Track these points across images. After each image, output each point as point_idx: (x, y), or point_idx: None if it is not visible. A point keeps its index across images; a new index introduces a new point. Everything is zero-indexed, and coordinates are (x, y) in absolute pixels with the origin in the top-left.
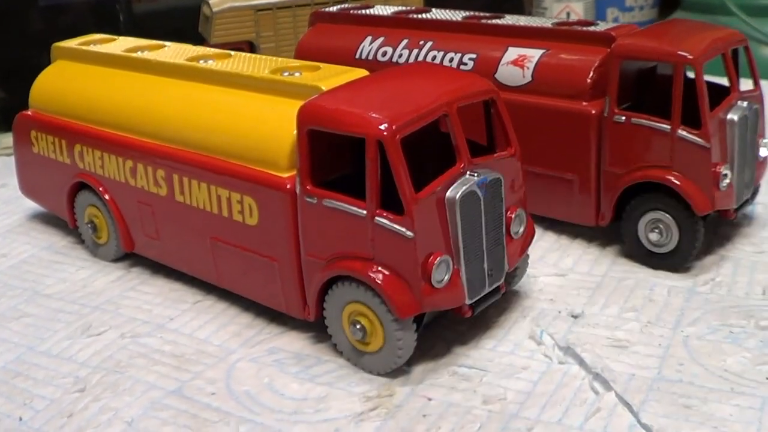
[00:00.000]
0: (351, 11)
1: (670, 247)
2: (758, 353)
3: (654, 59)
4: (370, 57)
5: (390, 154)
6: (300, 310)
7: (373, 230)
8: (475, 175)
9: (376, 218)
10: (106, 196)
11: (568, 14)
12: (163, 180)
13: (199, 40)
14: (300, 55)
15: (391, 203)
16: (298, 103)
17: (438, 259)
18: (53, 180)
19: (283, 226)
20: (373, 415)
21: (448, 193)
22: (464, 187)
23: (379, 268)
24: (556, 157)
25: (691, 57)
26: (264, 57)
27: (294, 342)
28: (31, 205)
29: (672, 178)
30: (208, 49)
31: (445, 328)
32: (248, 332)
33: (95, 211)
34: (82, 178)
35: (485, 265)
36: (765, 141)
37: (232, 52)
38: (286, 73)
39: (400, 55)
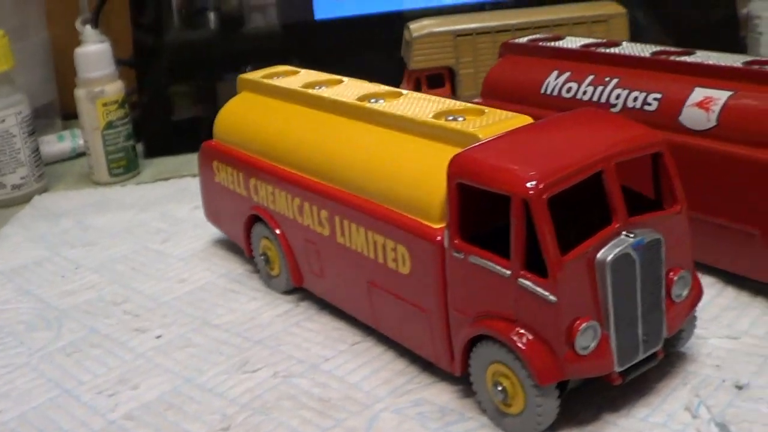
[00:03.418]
0: (540, 43)
1: None
2: None
3: None
4: (555, 93)
5: (535, 214)
6: (448, 363)
7: (517, 291)
8: (632, 236)
9: (520, 279)
10: (277, 231)
11: None
12: (326, 220)
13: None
14: (487, 88)
15: (539, 262)
16: (454, 151)
17: (584, 325)
18: (232, 210)
19: (432, 278)
20: None
21: (599, 256)
22: (617, 249)
23: (522, 331)
24: (739, 208)
25: None
26: (435, 98)
27: (442, 394)
28: (217, 230)
29: None
30: (381, 87)
31: (597, 392)
32: (399, 380)
33: (268, 244)
34: (256, 211)
35: (639, 331)
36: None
37: (405, 91)
38: (450, 118)
39: (585, 92)
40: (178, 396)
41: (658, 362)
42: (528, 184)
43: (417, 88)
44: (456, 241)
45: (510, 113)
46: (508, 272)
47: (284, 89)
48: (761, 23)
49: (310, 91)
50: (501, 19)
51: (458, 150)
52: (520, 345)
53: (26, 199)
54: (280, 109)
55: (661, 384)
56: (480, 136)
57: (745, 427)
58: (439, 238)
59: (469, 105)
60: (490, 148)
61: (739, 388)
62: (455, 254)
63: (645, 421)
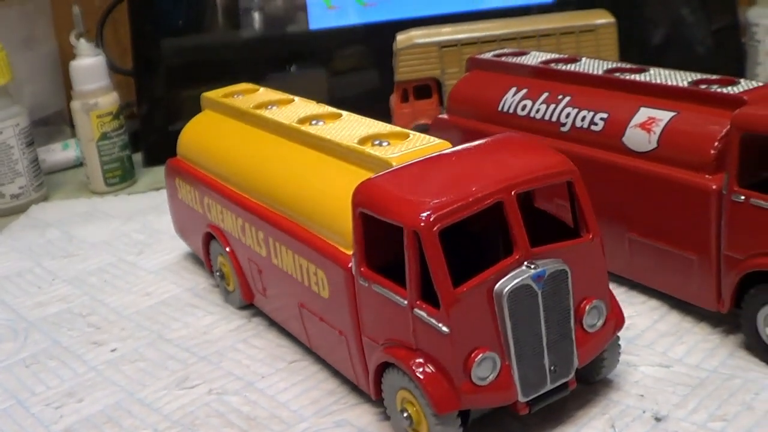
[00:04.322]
0: (503, 58)
1: None
2: None
3: None
4: (511, 110)
5: (426, 246)
6: (367, 387)
7: (414, 321)
8: (533, 266)
9: (415, 309)
10: (227, 249)
11: None
12: (263, 242)
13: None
14: (452, 104)
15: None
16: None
17: (481, 355)
18: (193, 226)
19: (346, 303)
20: None
21: (497, 287)
22: (516, 281)
23: (421, 360)
24: (677, 233)
25: None
26: (370, 122)
27: (363, 416)
28: None
29: None
30: (326, 108)
31: (515, 419)
32: (327, 400)
33: (223, 260)
34: (210, 229)
35: (546, 362)
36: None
37: (344, 113)
38: (376, 142)
39: (538, 110)
40: (118, 410)
41: (569, 392)
42: (419, 216)
43: (405, 99)
44: (362, 269)
45: (432, 139)
46: (405, 302)
47: (237, 109)
48: (759, 30)
49: (257, 111)
50: (487, 29)
51: (372, 175)
52: (418, 374)
53: (24, 209)
54: (232, 128)
55: (581, 412)
56: (393, 163)
57: None
58: (350, 264)
59: (397, 129)
60: (393, 177)
61: (658, 420)
62: (361, 282)
63: None
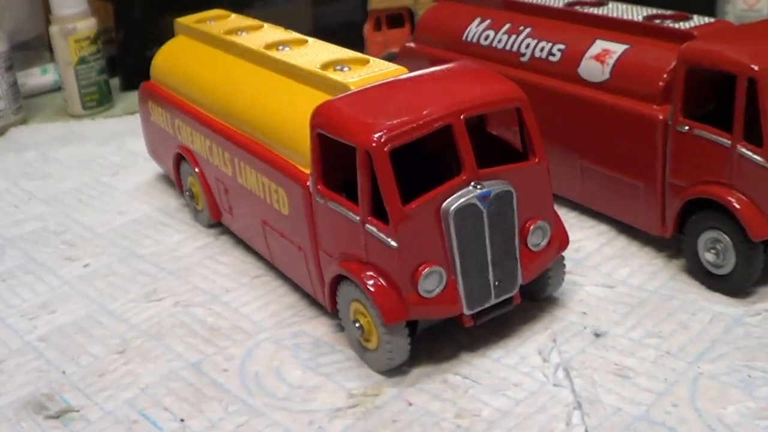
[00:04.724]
0: None
1: (726, 269)
2: (765, 405)
3: (717, 68)
4: (474, 40)
5: (377, 166)
6: (323, 300)
7: (366, 236)
8: (479, 187)
9: (366, 225)
10: (196, 169)
11: None
12: (228, 162)
13: None
14: (419, 33)
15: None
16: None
17: (427, 269)
18: (164, 148)
19: (304, 219)
20: (349, 412)
21: (443, 206)
22: (462, 200)
23: (371, 273)
24: (625, 161)
25: (756, 69)
26: (333, 48)
27: (320, 327)
28: None
29: (731, 199)
30: (292, 34)
31: (463, 332)
32: (286, 313)
33: (193, 181)
34: (181, 150)
35: (490, 277)
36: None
37: (310, 40)
38: (338, 67)
39: (500, 41)
40: (89, 321)
41: (513, 307)
42: (370, 137)
43: (378, 27)
44: (318, 187)
45: (391, 65)
46: (358, 218)
47: (208, 34)
48: None
49: (227, 37)
50: None
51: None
52: (369, 286)
53: (3, 132)
54: (203, 53)
55: (525, 327)
56: (351, 87)
57: (587, 373)
58: (308, 183)
59: (358, 55)
60: (350, 100)
61: (597, 335)
62: (318, 199)
63: (498, 362)
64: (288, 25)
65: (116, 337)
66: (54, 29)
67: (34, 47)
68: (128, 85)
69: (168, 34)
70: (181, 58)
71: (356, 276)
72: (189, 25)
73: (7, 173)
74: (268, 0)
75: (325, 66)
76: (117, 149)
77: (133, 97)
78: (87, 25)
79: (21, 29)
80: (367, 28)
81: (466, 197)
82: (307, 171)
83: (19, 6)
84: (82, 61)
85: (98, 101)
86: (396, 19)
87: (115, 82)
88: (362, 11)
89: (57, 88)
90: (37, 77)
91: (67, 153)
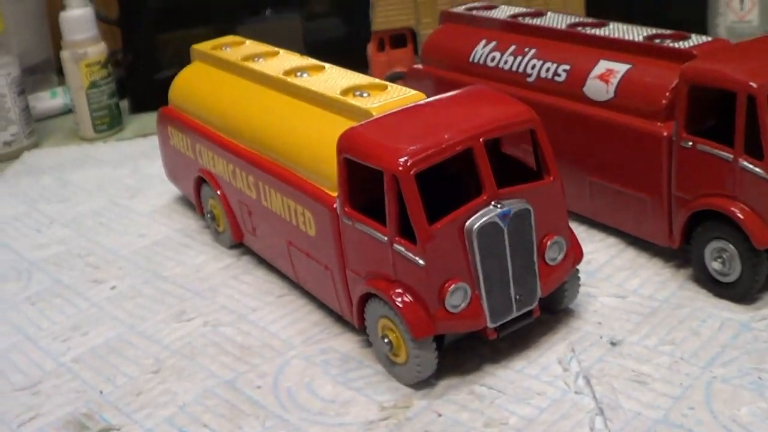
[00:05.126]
0: (474, 12)
1: (732, 277)
2: None
3: (718, 86)
4: (481, 62)
5: (404, 189)
6: (350, 317)
7: (393, 255)
8: (499, 206)
9: (395, 245)
10: (218, 192)
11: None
12: (253, 185)
13: None
14: (426, 54)
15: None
16: (352, 125)
17: (453, 286)
18: (184, 171)
19: (331, 240)
20: (382, 425)
21: (467, 225)
22: (484, 219)
23: (400, 290)
24: (632, 177)
25: (755, 86)
26: (351, 74)
27: (347, 343)
28: None
29: (735, 210)
30: (309, 60)
31: (485, 344)
32: (313, 330)
33: (214, 203)
34: (202, 173)
35: (512, 291)
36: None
37: (327, 66)
38: (357, 93)
39: (506, 62)
40: (121, 341)
41: (533, 319)
42: (397, 161)
43: (381, 47)
44: (346, 209)
45: (409, 90)
46: (386, 238)
47: (225, 61)
48: None
49: (246, 63)
50: None
51: (354, 124)
52: (397, 303)
53: (17, 155)
54: (221, 79)
55: (543, 339)
56: (373, 113)
57: (606, 380)
58: (335, 205)
59: (375, 81)
60: (375, 125)
61: (613, 344)
62: (345, 221)
63: (520, 373)
64: (281, 43)
65: (149, 357)
66: (65, 54)
67: (43, 71)
68: (137, 107)
69: (173, 55)
70: (200, 84)
71: (385, 293)
72: (206, 51)
73: (26, 197)
74: (264, 17)
75: (345, 92)
76: (132, 172)
77: (142, 119)
78: (98, 50)
79: (29, 53)
80: (371, 48)
81: (488, 216)
82: (333, 194)
83: (27, 30)
84: (93, 85)
85: (109, 124)
86: (399, 39)
87: (123, 104)
88: (360, 30)
89: (66, 111)
90: (47, 101)
91: (83, 176)
